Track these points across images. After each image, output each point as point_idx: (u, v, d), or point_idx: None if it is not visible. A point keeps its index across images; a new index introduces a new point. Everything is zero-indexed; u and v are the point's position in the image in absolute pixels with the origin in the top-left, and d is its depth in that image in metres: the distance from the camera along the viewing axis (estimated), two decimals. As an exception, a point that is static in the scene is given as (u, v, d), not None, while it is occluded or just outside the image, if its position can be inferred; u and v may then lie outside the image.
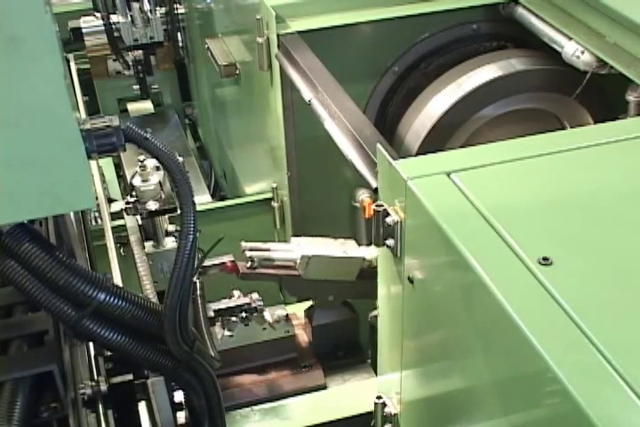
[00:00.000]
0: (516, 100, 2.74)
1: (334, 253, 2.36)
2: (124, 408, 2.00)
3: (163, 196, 2.42)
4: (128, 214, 2.50)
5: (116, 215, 3.06)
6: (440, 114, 2.72)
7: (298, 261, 2.34)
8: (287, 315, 2.48)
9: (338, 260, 2.35)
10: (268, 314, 2.46)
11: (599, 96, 2.73)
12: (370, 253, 2.37)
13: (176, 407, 2.11)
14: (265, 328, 2.46)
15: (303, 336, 2.58)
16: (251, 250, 2.36)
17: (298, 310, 2.59)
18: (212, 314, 2.42)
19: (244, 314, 2.40)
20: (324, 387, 2.47)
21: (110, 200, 3.40)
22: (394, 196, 1.58)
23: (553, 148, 1.60)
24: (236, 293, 2.46)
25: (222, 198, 4.67)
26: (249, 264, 2.36)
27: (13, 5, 1.22)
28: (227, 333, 2.43)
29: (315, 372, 2.50)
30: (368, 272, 2.37)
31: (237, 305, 2.54)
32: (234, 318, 2.41)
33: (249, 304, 2.43)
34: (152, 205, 2.39)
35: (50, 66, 1.29)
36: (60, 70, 1.31)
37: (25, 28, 1.24)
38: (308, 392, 2.45)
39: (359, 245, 2.44)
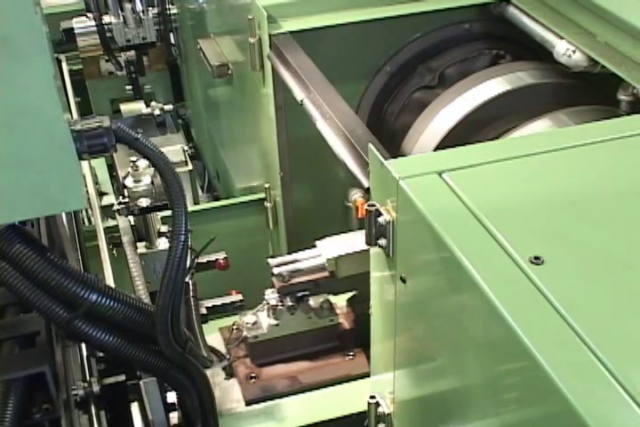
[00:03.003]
0: (526, 114, 2.66)
1: (358, 247, 2.34)
2: (117, 409, 2.00)
3: (154, 191, 2.42)
4: (120, 215, 2.50)
5: (107, 209, 3.06)
6: (448, 129, 2.68)
7: (326, 266, 2.35)
8: (331, 304, 2.50)
9: (364, 253, 2.36)
10: (313, 303, 2.48)
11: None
12: None
13: (169, 408, 2.11)
14: (310, 317, 2.48)
15: (345, 325, 2.60)
16: (277, 266, 2.38)
17: (337, 300, 2.60)
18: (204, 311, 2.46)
19: (290, 302, 2.41)
20: (368, 375, 2.50)
21: (101, 193, 3.42)
22: (386, 195, 1.58)
23: (545, 147, 1.60)
24: (269, 290, 2.46)
25: (215, 199, 4.67)
26: (280, 279, 2.37)
27: (3, 6, 1.22)
28: (273, 321, 2.45)
29: (359, 360, 2.52)
30: None
31: (232, 302, 2.59)
32: (280, 307, 2.43)
33: (242, 300, 2.47)
34: (144, 202, 2.39)
35: (40, 67, 1.29)
36: (50, 71, 1.30)
37: (15, 29, 1.24)
38: (353, 380, 2.47)
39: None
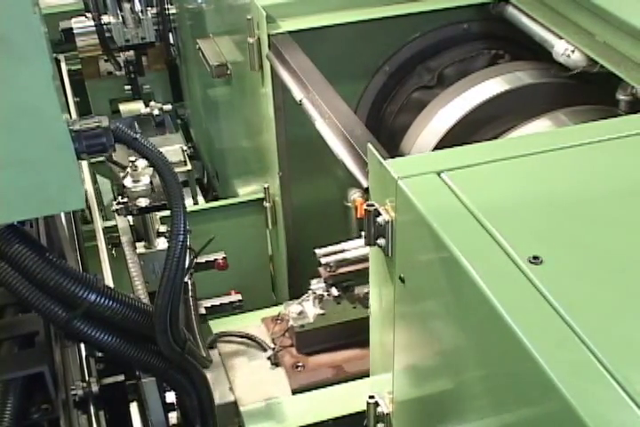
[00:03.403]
0: (524, 114, 2.63)
1: None
2: (116, 409, 2.00)
3: (153, 191, 2.42)
4: (119, 215, 2.50)
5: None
6: (446, 129, 2.68)
7: None
8: None
9: None
10: (359, 292, 2.48)
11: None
12: None
13: (168, 408, 2.11)
14: (355, 306, 2.49)
15: None
16: (325, 256, 2.38)
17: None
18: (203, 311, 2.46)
19: (336, 292, 2.43)
20: None
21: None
22: (385, 195, 1.58)
23: (543, 146, 1.60)
24: (315, 280, 2.47)
25: (215, 199, 4.67)
26: (327, 269, 2.38)
27: (1, 6, 1.22)
28: (319, 311, 2.47)
29: None
30: None
31: (231, 302, 2.61)
32: (326, 297, 2.44)
33: (241, 300, 2.45)
34: (142, 202, 2.39)
35: (38, 67, 1.29)
36: (48, 71, 1.30)
37: (13, 29, 1.24)
38: None
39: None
